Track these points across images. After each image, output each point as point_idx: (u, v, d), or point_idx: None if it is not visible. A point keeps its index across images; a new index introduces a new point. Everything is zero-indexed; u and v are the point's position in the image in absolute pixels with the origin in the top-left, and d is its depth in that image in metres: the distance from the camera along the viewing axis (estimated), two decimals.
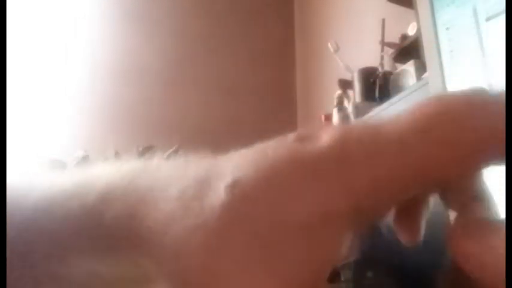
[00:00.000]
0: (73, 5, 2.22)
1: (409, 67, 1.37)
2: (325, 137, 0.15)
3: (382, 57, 1.64)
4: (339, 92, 1.68)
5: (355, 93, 1.62)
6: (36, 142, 2.02)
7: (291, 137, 0.17)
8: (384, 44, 1.70)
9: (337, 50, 1.81)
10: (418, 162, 0.14)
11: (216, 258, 0.14)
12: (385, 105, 1.08)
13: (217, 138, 2.30)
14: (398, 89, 1.34)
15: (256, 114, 2.39)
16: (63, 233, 0.18)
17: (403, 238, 0.19)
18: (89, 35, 2.20)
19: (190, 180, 0.16)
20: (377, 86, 1.48)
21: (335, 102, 1.62)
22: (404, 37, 1.65)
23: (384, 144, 0.15)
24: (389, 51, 1.68)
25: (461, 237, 0.16)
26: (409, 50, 1.56)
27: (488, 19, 0.51)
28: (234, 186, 0.15)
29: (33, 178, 0.20)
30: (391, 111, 1.03)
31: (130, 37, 2.24)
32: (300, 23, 2.67)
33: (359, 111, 1.43)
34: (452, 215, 0.18)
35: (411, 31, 1.62)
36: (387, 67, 1.57)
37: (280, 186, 0.15)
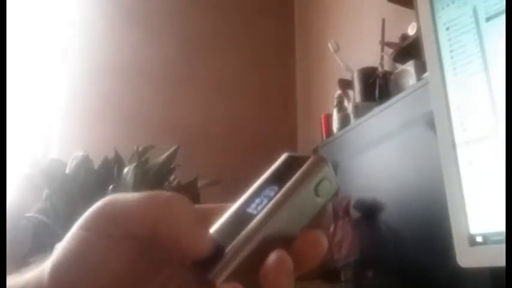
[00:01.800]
0: (73, 5, 2.22)
1: (409, 67, 1.37)
2: None
3: (382, 57, 1.64)
4: (339, 92, 1.68)
5: (355, 93, 1.62)
6: (36, 142, 2.02)
7: None
8: (383, 44, 1.70)
9: (337, 50, 1.81)
10: None
11: None
12: (385, 105, 1.08)
13: (217, 138, 2.30)
14: (398, 89, 1.34)
15: (256, 114, 2.39)
16: None
17: None
18: (89, 35, 2.20)
19: None
20: (377, 86, 1.48)
21: (335, 102, 1.62)
22: (404, 37, 1.65)
23: None
24: (389, 51, 1.68)
25: None
26: (409, 50, 1.56)
27: (488, 19, 0.51)
28: None
29: None
30: (391, 111, 1.03)
31: (131, 37, 2.24)
32: (300, 23, 2.67)
33: (359, 111, 1.43)
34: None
35: (411, 31, 1.62)
36: (387, 67, 1.57)
37: None
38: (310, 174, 0.25)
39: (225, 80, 2.39)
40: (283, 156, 0.28)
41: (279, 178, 0.26)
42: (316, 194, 0.25)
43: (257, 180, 0.27)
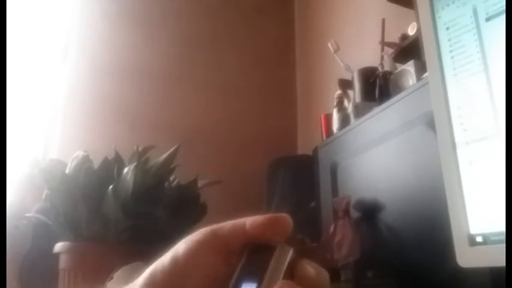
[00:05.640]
0: (73, 4, 2.22)
1: (409, 67, 1.37)
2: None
3: (382, 57, 1.64)
4: (338, 92, 1.67)
5: (355, 93, 1.62)
6: (36, 142, 2.02)
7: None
8: (383, 44, 1.70)
9: (337, 50, 1.81)
10: None
11: None
12: (385, 105, 1.07)
13: (217, 138, 2.30)
14: (398, 89, 1.34)
15: (256, 114, 2.39)
16: None
17: None
18: (89, 35, 2.20)
19: None
20: (377, 86, 1.48)
21: (335, 102, 1.62)
22: (404, 37, 1.65)
23: None
24: (390, 51, 1.68)
25: None
26: (409, 50, 1.56)
27: (488, 19, 0.51)
28: None
29: None
30: (391, 111, 1.03)
31: (131, 37, 2.24)
32: (300, 23, 2.67)
33: (359, 111, 1.42)
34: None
35: (411, 31, 1.62)
36: (387, 67, 1.56)
37: None
38: (281, 266, 0.28)
39: (225, 80, 2.39)
40: (248, 248, 0.29)
41: (252, 273, 0.28)
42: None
43: (233, 275, 0.28)
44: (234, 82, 2.40)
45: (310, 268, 0.28)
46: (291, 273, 0.28)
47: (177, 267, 0.28)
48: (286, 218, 0.29)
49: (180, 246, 0.29)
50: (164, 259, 0.29)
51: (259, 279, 0.27)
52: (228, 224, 0.30)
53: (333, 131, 1.56)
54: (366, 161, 1.10)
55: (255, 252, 0.29)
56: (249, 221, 0.30)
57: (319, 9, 2.48)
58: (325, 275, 0.28)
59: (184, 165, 1.17)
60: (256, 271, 0.27)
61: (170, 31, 2.33)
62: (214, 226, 0.30)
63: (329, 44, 1.83)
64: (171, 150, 1.13)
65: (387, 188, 0.99)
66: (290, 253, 0.28)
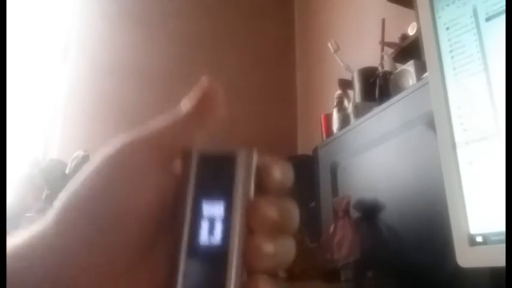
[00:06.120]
0: (73, 4, 2.22)
1: (409, 67, 1.37)
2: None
3: (382, 57, 1.64)
4: (338, 92, 1.67)
5: (355, 93, 1.62)
6: (36, 142, 2.02)
7: None
8: (383, 44, 1.70)
9: (337, 50, 1.81)
10: None
11: None
12: (385, 105, 1.07)
13: (217, 138, 2.30)
14: (398, 89, 1.34)
15: (256, 114, 2.39)
16: None
17: None
18: (89, 35, 2.20)
19: None
20: (377, 86, 1.48)
21: (335, 102, 1.62)
22: (404, 37, 1.65)
23: None
24: (390, 51, 1.68)
25: None
26: (409, 50, 1.56)
27: (488, 19, 0.51)
28: None
29: None
30: (391, 111, 1.03)
31: (131, 37, 2.24)
32: (300, 23, 2.67)
33: (359, 111, 1.42)
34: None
35: (411, 31, 1.62)
36: (387, 67, 1.56)
37: None
38: (250, 174, 0.22)
39: (225, 80, 2.38)
40: (196, 156, 0.23)
41: (213, 188, 0.22)
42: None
43: (182, 192, 0.22)
44: (234, 82, 2.40)
45: (275, 168, 0.23)
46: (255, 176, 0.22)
47: (103, 194, 0.22)
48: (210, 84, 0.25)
49: (100, 168, 0.22)
50: (81, 185, 0.22)
51: (225, 194, 0.22)
52: (150, 128, 0.24)
53: (333, 131, 1.56)
54: (366, 161, 1.10)
55: (205, 161, 0.23)
56: (175, 112, 0.24)
57: (319, 9, 2.48)
58: (289, 170, 0.24)
59: None
60: (217, 185, 0.22)
61: (170, 31, 2.33)
62: (134, 135, 0.24)
63: (329, 44, 1.83)
64: None
65: (387, 188, 0.99)
66: (255, 158, 0.23)
